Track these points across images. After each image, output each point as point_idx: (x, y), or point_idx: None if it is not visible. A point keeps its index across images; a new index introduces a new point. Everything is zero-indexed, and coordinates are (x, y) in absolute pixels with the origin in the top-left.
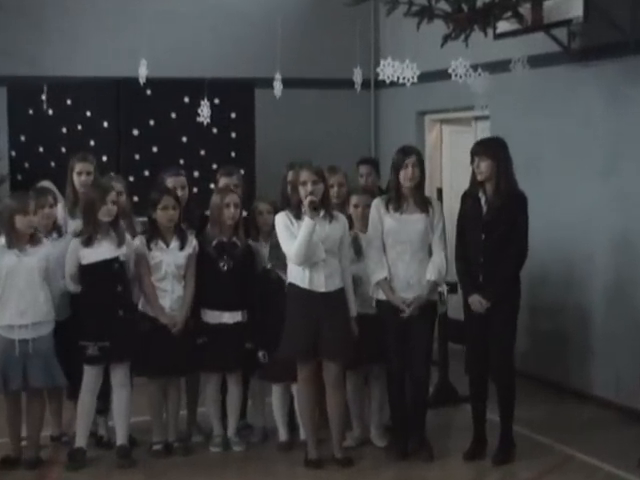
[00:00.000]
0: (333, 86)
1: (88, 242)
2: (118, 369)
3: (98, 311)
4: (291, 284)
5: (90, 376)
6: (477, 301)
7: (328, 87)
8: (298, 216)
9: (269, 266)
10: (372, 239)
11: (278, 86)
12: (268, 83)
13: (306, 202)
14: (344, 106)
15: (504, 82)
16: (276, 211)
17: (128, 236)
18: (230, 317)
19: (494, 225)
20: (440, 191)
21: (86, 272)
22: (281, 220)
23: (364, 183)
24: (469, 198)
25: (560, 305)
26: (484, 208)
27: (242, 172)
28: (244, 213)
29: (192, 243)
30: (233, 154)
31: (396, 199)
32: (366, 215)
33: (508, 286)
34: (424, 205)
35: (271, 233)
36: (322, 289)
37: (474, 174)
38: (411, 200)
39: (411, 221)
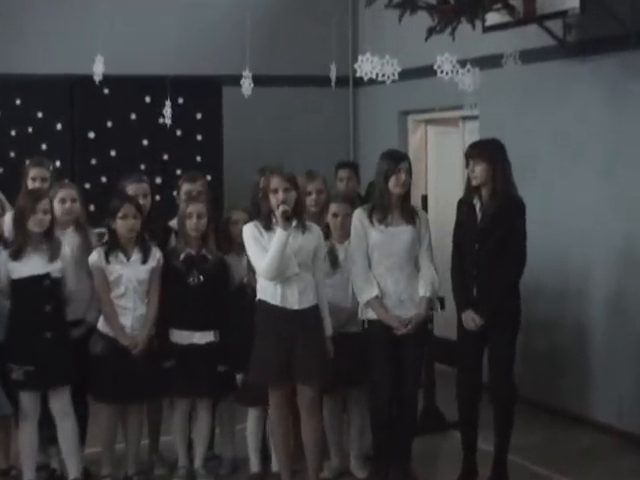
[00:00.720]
0: (308, 84)
1: (17, 255)
2: (55, 396)
3: (23, 331)
4: (261, 301)
5: (24, 402)
6: (470, 318)
7: (302, 85)
8: (268, 227)
9: (245, 280)
10: (357, 255)
11: (247, 84)
12: (237, 81)
13: (278, 212)
14: (320, 106)
15: (494, 79)
16: (250, 221)
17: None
18: (201, 337)
19: (488, 233)
20: (425, 198)
21: (15, 288)
22: (249, 232)
23: (344, 188)
24: (464, 205)
25: (556, 320)
26: (479, 215)
27: (208, 178)
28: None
29: (156, 256)
30: (199, 158)
31: (381, 209)
32: (346, 225)
33: (504, 300)
34: (410, 216)
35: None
36: (295, 306)
37: (469, 179)
38: (397, 211)
39: (398, 233)
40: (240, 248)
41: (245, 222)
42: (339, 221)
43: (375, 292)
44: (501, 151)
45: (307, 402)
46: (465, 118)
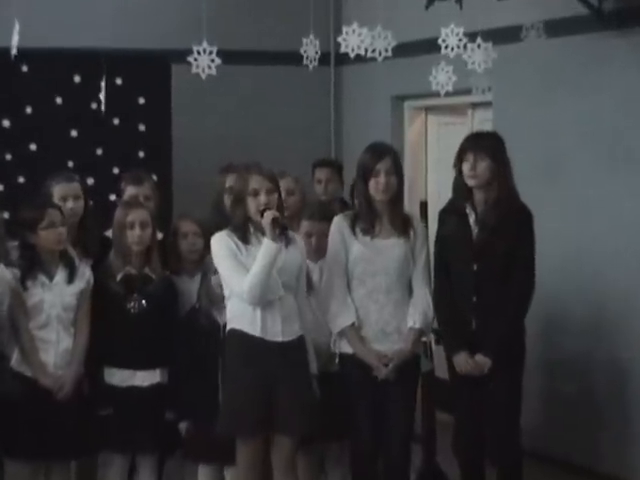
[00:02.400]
0: (279, 62)
1: None
2: None
3: None
4: (234, 331)
5: None
6: (466, 361)
7: (273, 63)
8: (245, 238)
9: (197, 305)
10: (334, 271)
11: (204, 62)
12: (190, 57)
13: (265, 219)
14: (294, 89)
15: (511, 56)
16: (205, 233)
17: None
18: (144, 378)
19: (489, 251)
20: (424, 205)
21: None
22: (223, 243)
23: (322, 191)
24: (452, 215)
25: (585, 361)
26: (474, 228)
27: (154, 179)
28: (159, 235)
29: (85, 275)
30: (142, 154)
31: (366, 217)
32: (322, 247)
33: (511, 336)
34: (403, 226)
35: (200, 262)
36: (278, 338)
37: (459, 180)
38: (386, 219)
39: (386, 247)
40: (191, 266)
41: (196, 235)
42: (314, 243)
43: (351, 319)
44: (504, 149)
45: (284, 458)
46: (475, 105)
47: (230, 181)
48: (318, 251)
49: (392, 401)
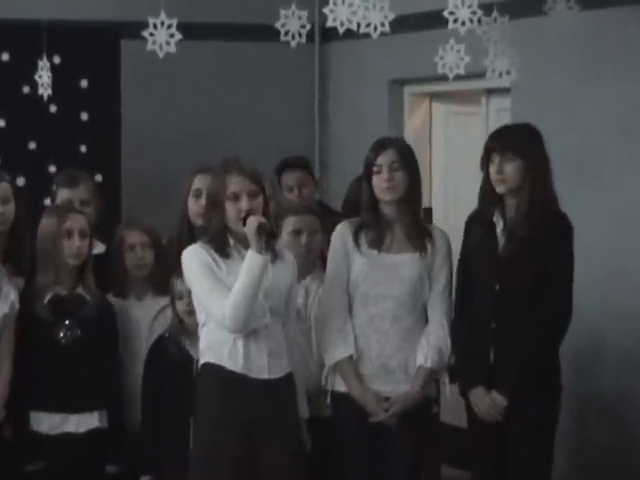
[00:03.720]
0: (253, 37)
1: None
2: None
3: None
4: (210, 365)
5: None
6: (483, 399)
7: (245, 39)
8: (224, 252)
9: (167, 334)
10: (333, 290)
11: (162, 37)
12: (144, 31)
13: (251, 226)
14: (272, 70)
15: (535, 32)
16: (156, 244)
17: None
18: (79, 423)
19: (516, 266)
20: (429, 213)
21: None
22: (197, 258)
23: (294, 200)
24: (478, 224)
25: (628, 402)
26: (501, 239)
27: (98, 179)
28: (101, 247)
29: (9, 298)
30: (84, 148)
31: (373, 225)
32: (312, 249)
33: (539, 372)
34: (420, 237)
35: (150, 279)
36: (264, 374)
37: (487, 184)
38: (398, 228)
39: (396, 264)
40: (140, 286)
41: (145, 247)
42: (304, 241)
43: (349, 350)
44: (540, 144)
45: None
46: (490, 91)
47: (199, 183)
48: (306, 256)
49: (395, 453)
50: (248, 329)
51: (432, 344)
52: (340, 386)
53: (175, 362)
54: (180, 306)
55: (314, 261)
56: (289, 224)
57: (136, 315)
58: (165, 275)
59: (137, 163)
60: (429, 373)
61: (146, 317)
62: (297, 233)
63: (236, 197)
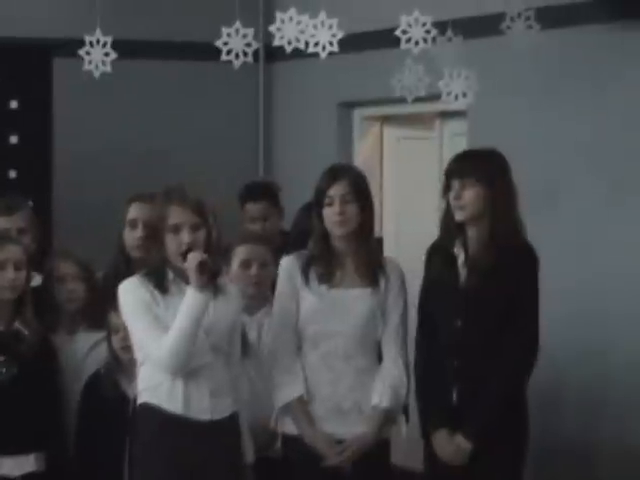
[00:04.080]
0: (194, 56)
1: None
2: None
3: None
4: (148, 406)
5: None
6: (448, 443)
7: (185, 57)
8: (163, 287)
9: (103, 370)
10: (279, 329)
11: (98, 55)
12: (78, 49)
13: (192, 263)
14: (213, 91)
15: (493, 53)
16: (87, 276)
17: None
18: (14, 466)
19: (478, 301)
20: (379, 242)
21: None
22: (134, 293)
23: (259, 231)
24: (438, 255)
25: (590, 441)
26: (462, 272)
27: (30, 205)
28: (38, 279)
29: None
30: (13, 174)
31: (323, 259)
32: (262, 281)
33: (506, 410)
34: (371, 271)
35: (82, 313)
36: (206, 416)
37: (448, 213)
38: (349, 262)
39: (347, 300)
40: (71, 320)
41: (76, 279)
42: (253, 274)
43: (298, 391)
44: (504, 169)
45: None
46: (444, 115)
47: (134, 212)
48: (257, 289)
49: None
50: (188, 369)
51: (387, 382)
52: (291, 428)
53: (110, 401)
54: (116, 341)
55: (266, 294)
56: (238, 254)
57: (67, 350)
58: (98, 308)
59: (70, 189)
60: (385, 414)
61: (78, 353)
62: (247, 264)
63: (177, 229)
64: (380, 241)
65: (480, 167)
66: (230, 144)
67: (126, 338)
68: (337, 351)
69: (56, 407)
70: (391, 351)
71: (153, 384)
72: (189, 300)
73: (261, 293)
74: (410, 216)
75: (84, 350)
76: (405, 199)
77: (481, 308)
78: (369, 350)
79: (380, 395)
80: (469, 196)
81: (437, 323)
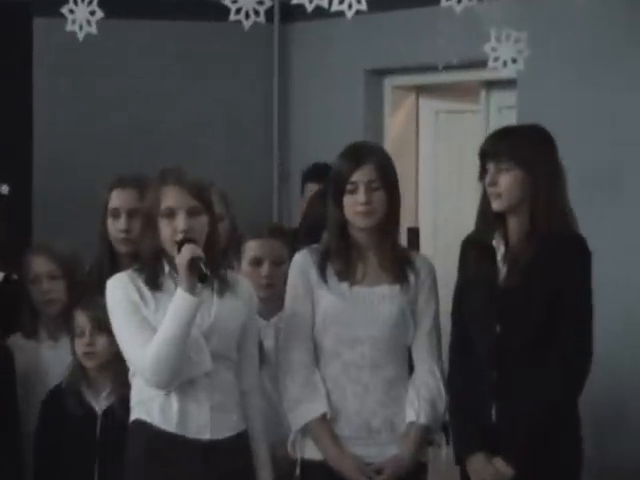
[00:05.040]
0: (196, 16)
1: None
2: None
3: None
4: (140, 423)
5: None
6: (485, 468)
7: (185, 17)
8: (154, 283)
9: (64, 384)
10: (293, 335)
11: (82, 13)
12: (61, 7)
13: (183, 257)
14: (219, 57)
15: (550, 12)
16: (68, 274)
17: None
18: None
19: (519, 303)
20: (415, 234)
21: None
22: (120, 292)
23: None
24: (474, 250)
25: None
26: (502, 269)
27: (4, 190)
28: None
29: None
30: None
31: (342, 254)
32: (277, 282)
33: (553, 432)
34: (399, 267)
35: (67, 317)
36: (205, 434)
37: (485, 200)
38: (372, 257)
39: (373, 300)
40: (53, 324)
41: (53, 278)
42: (265, 273)
43: (321, 409)
44: (548, 150)
45: None
46: (490, 84)
47: (116, 200)
48: (271, 290)
49: None
50: (179, 381)
51: (423, 396)
52: (312, 452)
53: (74, 418)
54: (79, 346)
55: (282, 296)
56: (248, 250)
57: (48, 359)
58: None
59: (53, 171)
60: (422, 432)
61: (61, 362)
62: (257, 261)
63: (171, 214)
64: (416, 232)
65: (518, 147)
66: (239, 120)
67: (92, 343)
68: (363, 360)
69: (13, 419)
70: (425, 358)
71: (145, 398)
72: (176, 302)
73: (275, 295)
74: (451, 202)
75: (68, 359)
76: (445, 182)
77: (523, 311)
78: (399, 357)
79: (416, 410)
80: (506, 182)
81: (472, 328)
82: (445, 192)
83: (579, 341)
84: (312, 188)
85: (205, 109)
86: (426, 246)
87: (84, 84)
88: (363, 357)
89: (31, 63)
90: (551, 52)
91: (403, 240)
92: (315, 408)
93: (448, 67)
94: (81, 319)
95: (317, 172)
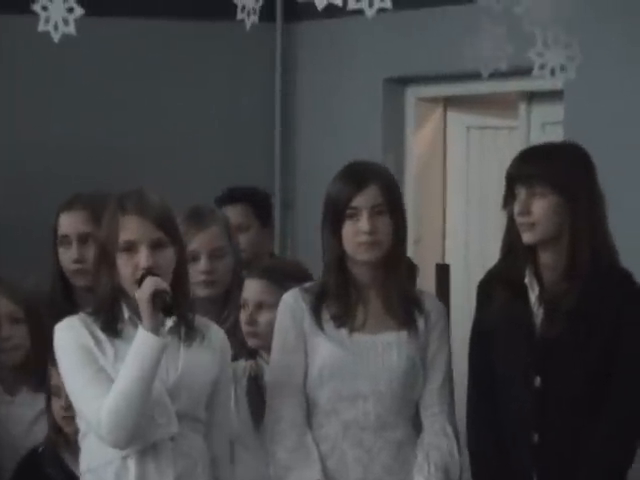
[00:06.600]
0: (188, 14)
1: None
2: None
3: None
4: None
5: None
6: None
7: (177, 16)
8: (111, 328)
9: (42, 449)
10: (281, 391)
11: (58, 11)
12: (36, 5)
13: (145, 291)
14: (214, 60)
15: (605, 12)
16: (32, 317)
17: None
18: None
19: (564, 354)
20: (444, 271)
21: None
22: (70, 338)
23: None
24: (502, 288)
25: None
26: (537, 312)
27: None
28: None
29: None
30: None
31: (340, 295)
32: (261, 329)
33: None
34: (405, 310)
35: (28, 368)
36: None
37: (513, 230)
38: (375, 298)
39: (377, 349)
40: (12, 377)
41: (14, 321)
42: (245, 317)
43: (314, 477)
44: (589, 171)
45: None
46: (532, 96)
47: (65, 225)
48: (258, 340)
49: None
50: (140, 444)
51: (435, 462)
52: None
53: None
54: (57, 409)
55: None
56: (249, 290)
57: (6, 417)
58: (46, 361)
59: (17, 188)
60: None
61: (20, 421)
62: (242, 304)
63: (132, 248)
64: (446, 269)
65: (554, 169)
66: (235, 134)
67: (71, 407)
68: (367, 419)
69: None
70: (436, 415)
71: (98, 464)
72: (138, 344)
73: (260, 344)
74: (484, 232)
75: (28, 418)
76: (478, 210)
77: (569, 363)
78: (408, 415)
79: (425, 477)
80: (540, 210)
81: (503, 380)
82: (477, 220)
83: (636, 400)
84: (229, 212)
85: (197, 121)
86: (458, 288)
87: (60, 88)
88: (366, 416)
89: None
90: (606, 58)
91: (430, 278)
92: (307, 476)
93: (478, 75)
94: (57, 378)
95: (224, 199)
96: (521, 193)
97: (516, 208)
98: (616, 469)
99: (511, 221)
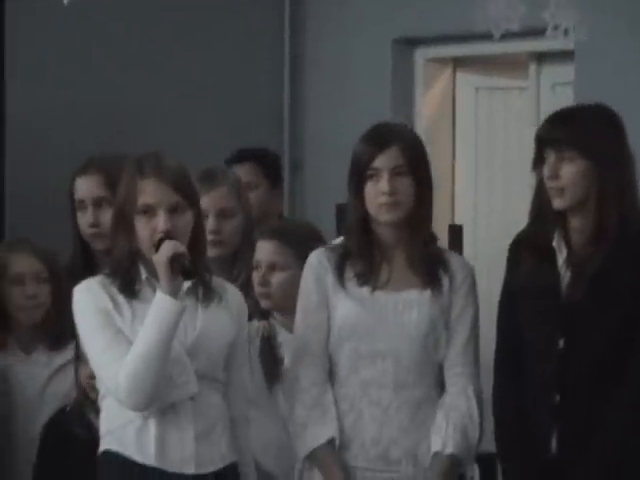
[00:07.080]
0: None
1: None
2: None
3: None
4: (110, 456)
5: None
6: None
7: None
8: (130, 290)
9: (68, 407)
10: (302, 348)
11: None
12: None
13: (163, 255)
14: (221, 26)
15: None
16: (54, 276)
17: None
18: None
19: (588, 316)
20: (457, 231)
21: None
22: (89, 299)
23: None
24: (530, 252)
25: None
26: (564, 275)
27: None
28: None
29: None
30: None
31: (363, 254)
32: (274, 290)
33: (627, 468)
34: (430, 269)
35: (46, 327)
36: (188, 468)
37: (542, 193)
38: (399, 256)
39: (400, 306)
40: (32, 335)
41: (38, 279)
42: (257, 279)
43: (329, 433)
44: (619, 134)
45: None
46: (542, 56)
47: (81, 190)
48: (291, 294)
49: None
50: (152, 406)
51: (454, 422)
52: None
53: (81, 445)
54: (84, 373)
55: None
56: (261, 251)
57: (21, 376)
58: (64, 321)
59: (29, 156)
60: (450, 464)
61: (35, 380)
62: (271, 267)
63: (150, 212)
64: (459, 230)
65: (585, 133)
66: (243, 95)
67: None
68: (385, 378)
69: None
70: (459, 378)
71: (117, 425)
72: (156, 307)
73: (281, 305)
74: (493, 195)
75: (44, 376)
76: (487, 171)
77: (593, 325)
78: (429, 377)
79: (444, 438)
80: (569, 174)
81: (527, 341)
82: (486, 182)
83: None
84: (238, 170)
85: (207, 84)
86: (470, 248)
87: (68, 50)
88: (385, 375)
89: (3, 32)
90: (617, 18)
91: (443, 239)
92: (322, 432)
93: (488, 36)
94: None
95: (238, 156)
96: (550, 157)
97: (545, 172)
98: (632, 435)
99: (540, 185)
